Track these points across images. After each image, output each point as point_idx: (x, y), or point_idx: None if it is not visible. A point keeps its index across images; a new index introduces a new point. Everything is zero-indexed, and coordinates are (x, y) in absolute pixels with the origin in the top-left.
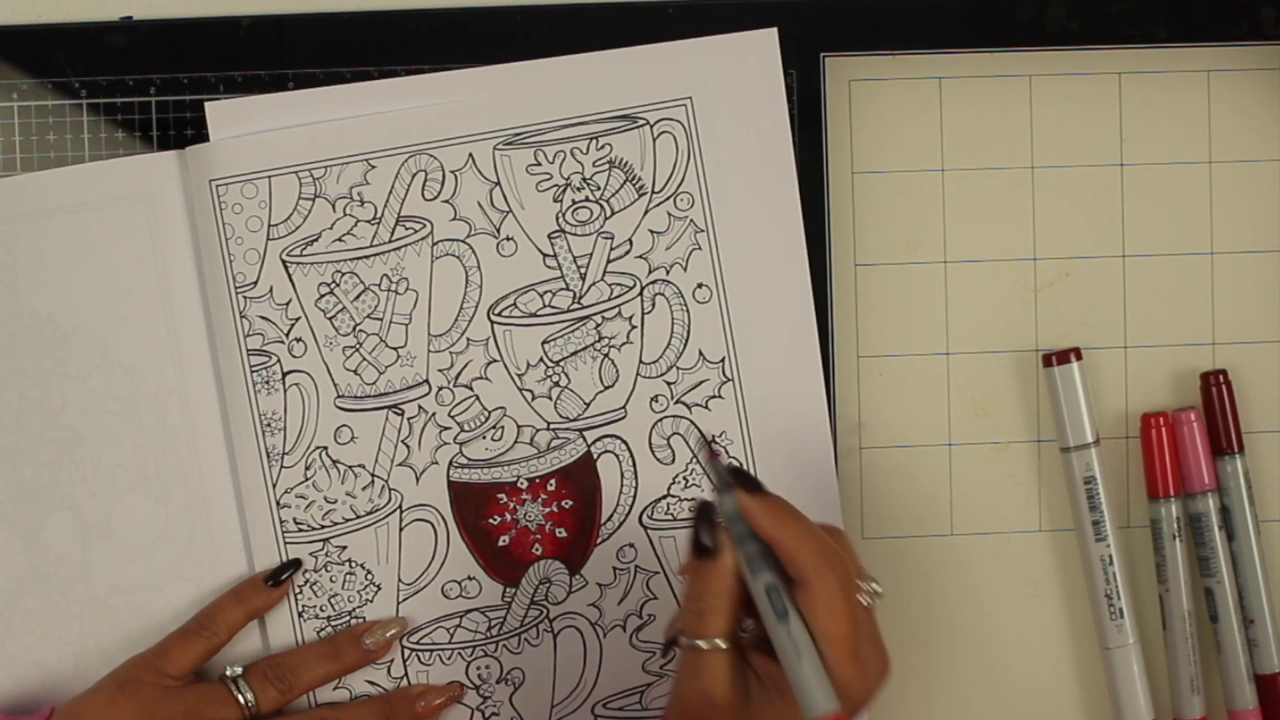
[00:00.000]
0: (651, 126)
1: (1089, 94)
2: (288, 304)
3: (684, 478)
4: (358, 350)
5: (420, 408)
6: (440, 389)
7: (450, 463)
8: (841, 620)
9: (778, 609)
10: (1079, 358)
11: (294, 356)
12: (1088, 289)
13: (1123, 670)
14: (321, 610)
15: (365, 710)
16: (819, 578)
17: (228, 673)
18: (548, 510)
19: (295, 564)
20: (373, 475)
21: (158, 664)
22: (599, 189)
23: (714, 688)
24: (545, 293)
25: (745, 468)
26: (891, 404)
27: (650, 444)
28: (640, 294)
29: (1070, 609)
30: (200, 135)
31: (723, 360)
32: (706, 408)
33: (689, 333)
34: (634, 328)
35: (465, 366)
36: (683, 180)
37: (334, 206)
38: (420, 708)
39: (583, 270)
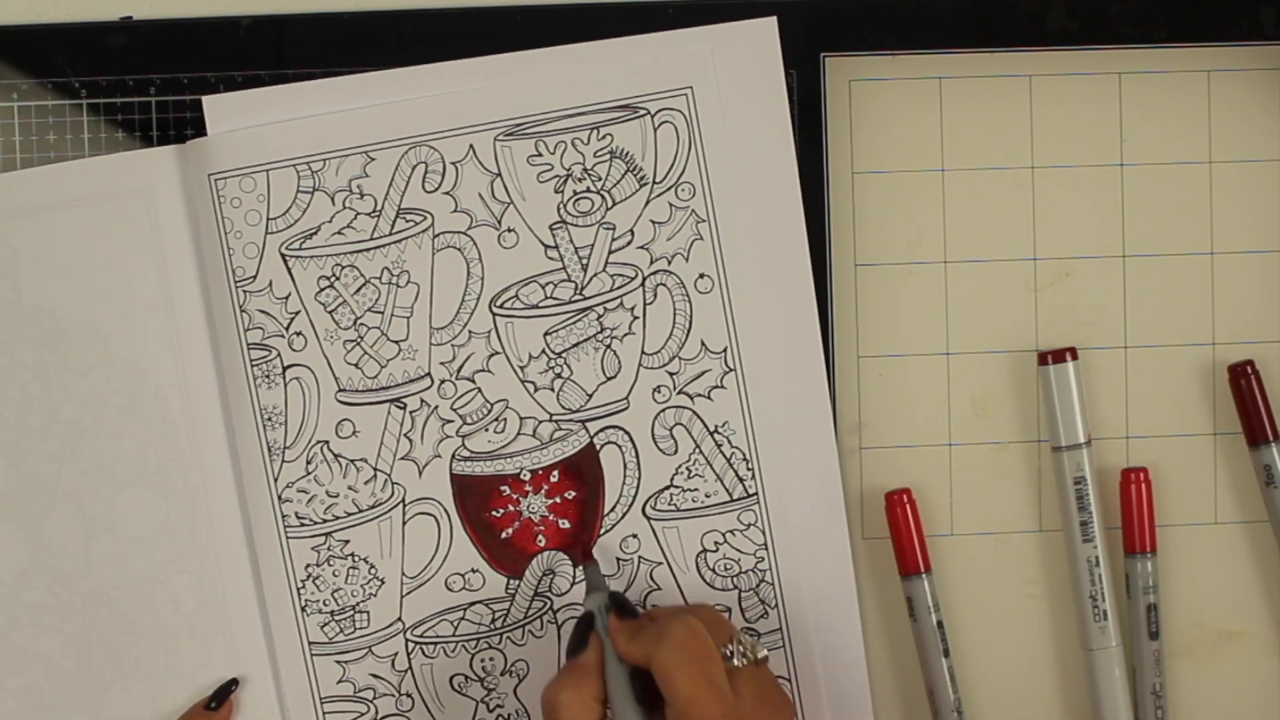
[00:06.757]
0: (652, 116)
1: (1089, 94)
2: (287, 298)
3: (687, 468)
4: (359, 344)
5: (422, 401)
6: (442, 382)
7: (453, 455)
8: (685, 689)
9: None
10: (1074, 357)
11: (294, 350)
12: (1088, 289)
13: (1104, 673)
14: (325, 605)
15: None
16: (661, 663)
17: None
18: (551, 502)
19: (233, 683)
20: (375, 469)
21: None
22: (600, 179)
23: None
24: (547, 284)
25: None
26: (891, 404)
27: (653, 435)
28: (642, 284)
29: (1070, 609)
30: (200, 135)
31: (725, 350)
32: (709, 398)
33: (691, 323)
34: (636, 318)
35: (467, 359)
36: (684, 170)
37: (333, 199)
38: None
39: (584, 261)
